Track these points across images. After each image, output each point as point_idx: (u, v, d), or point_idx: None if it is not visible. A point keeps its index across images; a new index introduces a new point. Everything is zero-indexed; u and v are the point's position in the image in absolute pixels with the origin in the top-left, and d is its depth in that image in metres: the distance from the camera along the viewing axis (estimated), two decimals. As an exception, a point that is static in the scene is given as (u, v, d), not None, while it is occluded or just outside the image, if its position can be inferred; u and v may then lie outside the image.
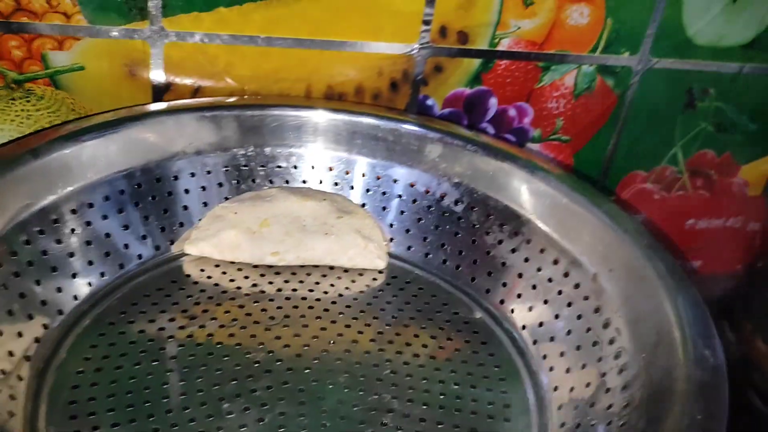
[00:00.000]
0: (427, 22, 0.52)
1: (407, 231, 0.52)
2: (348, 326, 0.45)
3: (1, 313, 0.38)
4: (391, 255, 0.51)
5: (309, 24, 0.50)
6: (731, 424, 0.53)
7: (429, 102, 0.56)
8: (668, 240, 0.66)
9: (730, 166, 0.65)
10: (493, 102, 0.56)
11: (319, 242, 0.48)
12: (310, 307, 0.46)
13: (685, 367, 0.34)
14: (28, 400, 0.37)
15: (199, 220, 0.49)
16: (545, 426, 0.40)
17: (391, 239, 0.52)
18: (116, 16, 0.47)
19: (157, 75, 0.50)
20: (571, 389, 0.41)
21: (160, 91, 0.50)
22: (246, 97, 0.52)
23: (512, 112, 0.57)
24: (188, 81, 0.50)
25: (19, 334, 0.39)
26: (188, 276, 0.47)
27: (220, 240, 0.48)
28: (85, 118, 0.48)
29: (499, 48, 0.54)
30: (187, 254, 0.48)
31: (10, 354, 0.38)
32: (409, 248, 0.51)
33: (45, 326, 0.40)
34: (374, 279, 0.49)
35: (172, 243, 0.48)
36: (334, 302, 0.47)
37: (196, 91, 0.51)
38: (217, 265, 0.48)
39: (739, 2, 0.56)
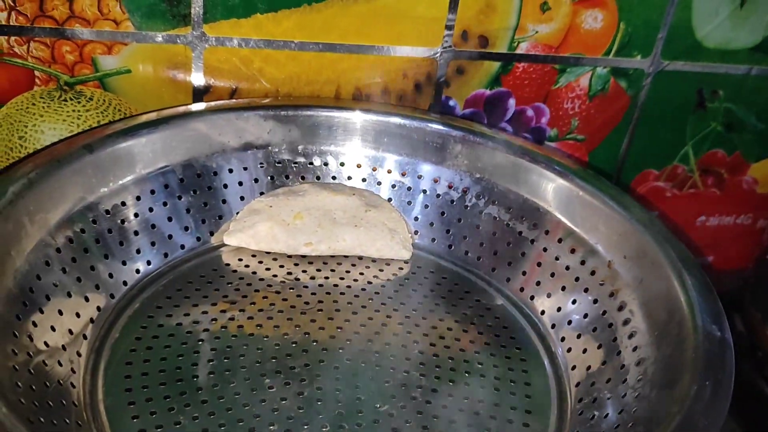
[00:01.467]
0: (449, 27, 0.55)
1: (431, 224, 0.55)
2: (377, 311, 0.48)
3: (62, 294, 0.41)
4: (415, 246, 0.54)
5: (338, 29, 0.54)
6: (742, 413, 0.55)
7: (451, 103, 0.59)
8: (679, 231, 0.68)
9: (740, 164, 0.67)
10: (512, 103, 0.59)
11: (349, 234, 0.51)
12: (342, 294, 0.49)
13: (694, 341, 0.37)
14: (87, 373, 0.40)
15: (237, 213, 0.52)
16: (563, 401, 0.43)
17: (416, 232, 0.55)
18: (161, 22, 0.50)
19: (198, 78, 0.53)
20: (588, 367, 0.44)
21: (199, 93, 0.53)
22: (279, 98, 0.55)
23: (530, 113, 0.60)
24: (226, 83, 0.54)
25: (77, 315, 0.42)
26: (227, 265, 0.50)
27: (257, 231, 0.51)
28: (132, 117, 0.52)
29: (518, 51, 0.57)
30: (226, 245, 0.51)
31: (70, 332, 0.41)
32: (433, 240, 0.54)
33: (99, 308, 0.44)
34: (400, 269, 0.52)
35: (212, 234, 0.51)
36: (363, 289, 0.50)
37: (233, 93, 0.54)
38: (253, 255, 0.51)
39: (746, 7, 0.59)
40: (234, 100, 0.54)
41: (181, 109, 0.52)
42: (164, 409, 0.39)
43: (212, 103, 0.53)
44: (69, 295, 0.42)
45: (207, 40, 0.52)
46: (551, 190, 0.50)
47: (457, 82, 0.58)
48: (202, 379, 0.41)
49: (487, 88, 0.58)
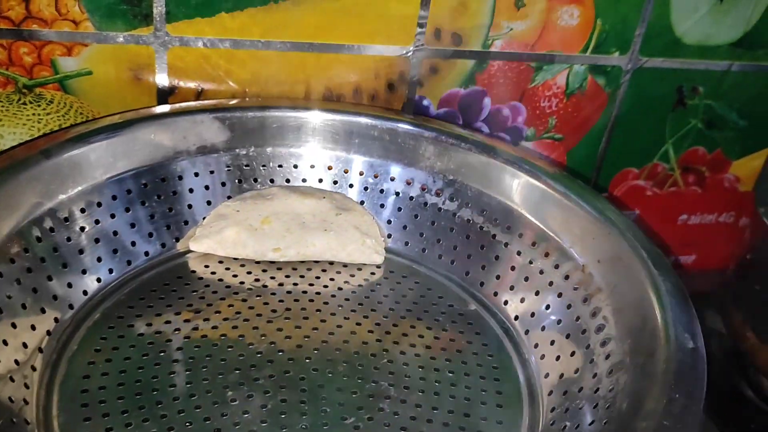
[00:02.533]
0: (421, 25, 0.54)
1: (404, 227, 0.53)
2: (347, 318, 0.47)
3: (16, 307, 0.40)
4: (388, 250, 0.53)
5: (307, 28, 0.52)
6: (723, 415, 0.55)
7: (425, 102, 0.57)
8: (655, 235, 0.67)
9: (721, 162, 0.66)
10: (487, 102, 0.58)
11: (319, 239, 0.50)
12: (311, 300, 0.48)
13: (666, 350, 0.36)
14: (41, 388, 0.39)
15: (204, 218, 0.51)
16: (536, 410, 0.42)
17: (389, 235, 0.53)
18: (122, 22, 0.49)
19: (162, 79, 0.51)
20: (561, 375, 0.42)
21: (164, 94, 0.52)
22: (247, 99, 0.54)
23: (506, 112, 0.59)
24: (191, 84, 0.52)
25: (32, 327, 0.41)
26: (193, 272, 0.49)
27: (224, 237, 0.50)
28: (94, 120, 0.50)
29: (492, 49, 0.56)
30: (192, 251, 0.50)
31: (24, 345, 0.39)
32: (406, 244, 0.53)
33: (56, 320, 0.42)
34: (372, 273, 0.51)
35: (178, 240, 0.50)
36: (333, 295, 0.48)
37: (199, 94, 0.53)
38: (220, 261, 0.50)
39: (726, 2, 0.58)
40: (199, 102, 0.53)
41: (145, 111, 0.50)
42: (121, 424, 0.37)
43: (177, 105, 0.52)
44: (24, 307, 0.40)
45: (170, 41, 0.50)
46: (525, 192, 0.49)
47: (431, 81, 0.57)
48: (163, 392, 0.39)
49: (461, 87, 0.57)
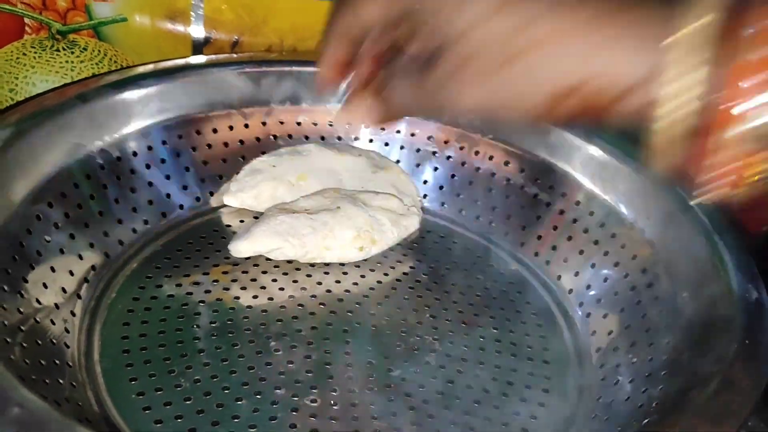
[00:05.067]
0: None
1: (440, 187, 0.52)
2: (386, 274, 0.46)
3: (54, 250, 0.39)
4: (425, 211, 0.51)
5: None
6: None
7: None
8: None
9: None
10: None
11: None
12: (349, 258, 0.47)
13: (729, 301, 0.35)
14: (81, 334, 0.38)
15: (237, 173, 0.50)
16: (584, 367, 0.41)
17: (425, 195, 0.52)
18: (159, -32, 0.48)
19: (197, 29, 0.50)
20: (609, 332, 0.42)
21: (199, 45, 0.51)
22: (284, 52, 0.52)
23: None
24: (227, 35, 0.51)
25: (71, 273, 0.40)
26: (228, 226, 0.48)
27: (259, 192, 0.48)
28: (128, 68, 0.49)
29: None
30: (226, 206, 0.49)
31: (63, 290, 0.38)
32: (442, 204, 0.52)
33: (93, 267, 0.41)
34: (411, 233, 0.50)
35: (212, 195, 0.49)
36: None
37: (234, 45, 0.52)
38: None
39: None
40: (235, 54, 0.52)
41: (180, 62, 0.49)
42: (164, 371, 0.36)
43: (212, 57, 0.50)
44: (62, 251, 0.39)
45: (207, -11, 0.49)
46: (569, 150, 0.48)
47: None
48: (204, 342, 0.38)
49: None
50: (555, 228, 0.48)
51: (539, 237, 0.49)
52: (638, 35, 0.26)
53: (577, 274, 0.46)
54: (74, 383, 0.34)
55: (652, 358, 0.37)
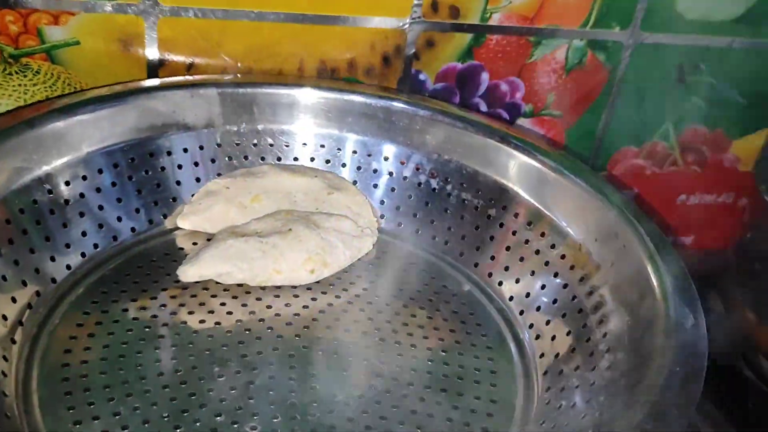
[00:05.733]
0: (418, -2, 0.53)
1: (397, 208, 0.52)
2: (338, 296, 0.45)
3: (-4, 279, 0.39)
4: (381, 231, 0.51)
5: (301, -1, 0.51)
6: (720, 395, 0.54)
7: (421, 77, 0.56)
8: (656, 212, 0.66)
9: (721, 141, 0.65)
10: (485, 77, 0.57)
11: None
12: (301, 279, 0.46)
13: (665, 326, 0.35)
14: (21, 362, 0.38)
15: (192, 195, 0.50)
16: (530, 390, 0.41)
17: (382, 216, 0.52)
18: (109, -9, 0.47)
19: (152, 51, 0.50)
20: (556, 355, 0.41)
21: (154, 67, 0.51)
22: (239, 75, 0.52)
23: (504, 87, 0.58)
24: (182, 57, 0.51)
25: (13, 300, 0.39)
26: (181, 249, 0.48)
27: (213, 214, 0.48)
28: (81, 92, 0.49)
29: (491, 23, 0.54)
30: (180, 228, 0.49)
31: (4, 318, 0.38)
32: (399, 225, 0.52)
33: (38, 293, 0.41)
34: (365, 254, 0.50)
35: (165, 217, 0.49)
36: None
37: (189, 67, 0.52)
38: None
39: (729, -22, 0.56)
40: (190, 77, 0.51)
41: (134, 84, 0.49)
42: (103, 399, 0.36)
43: (167, 79, 0.50)
44: (4, 278, 0.39)
45: (161, 10, 0.49)
46: (521, 171, 0.48)
47: (428, 55, 0.55)
48: (147, 369, 0.38)
49: (458, 62, 0.56)
50: (508, 249, 0.48)
51: (492, 257, 0.48)
52: None
53: (527, 295, 0.46)
54: (8, 414, 0.34)
55: (594, 383, 0.37)
